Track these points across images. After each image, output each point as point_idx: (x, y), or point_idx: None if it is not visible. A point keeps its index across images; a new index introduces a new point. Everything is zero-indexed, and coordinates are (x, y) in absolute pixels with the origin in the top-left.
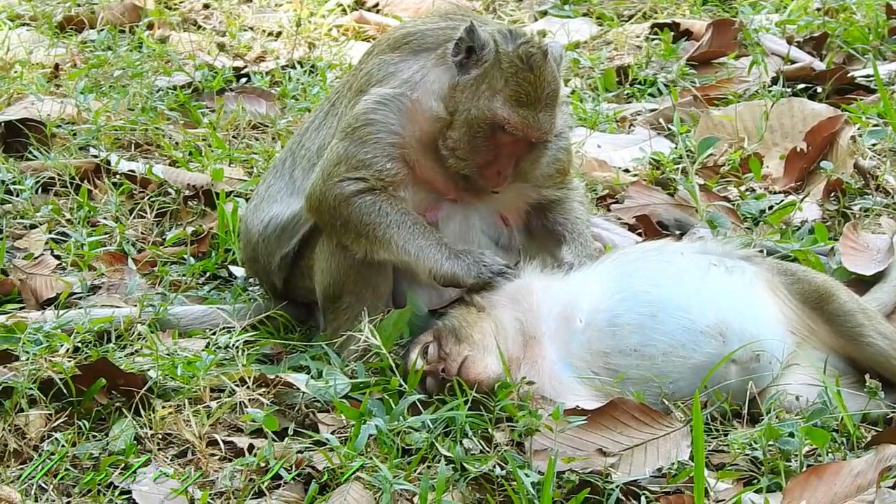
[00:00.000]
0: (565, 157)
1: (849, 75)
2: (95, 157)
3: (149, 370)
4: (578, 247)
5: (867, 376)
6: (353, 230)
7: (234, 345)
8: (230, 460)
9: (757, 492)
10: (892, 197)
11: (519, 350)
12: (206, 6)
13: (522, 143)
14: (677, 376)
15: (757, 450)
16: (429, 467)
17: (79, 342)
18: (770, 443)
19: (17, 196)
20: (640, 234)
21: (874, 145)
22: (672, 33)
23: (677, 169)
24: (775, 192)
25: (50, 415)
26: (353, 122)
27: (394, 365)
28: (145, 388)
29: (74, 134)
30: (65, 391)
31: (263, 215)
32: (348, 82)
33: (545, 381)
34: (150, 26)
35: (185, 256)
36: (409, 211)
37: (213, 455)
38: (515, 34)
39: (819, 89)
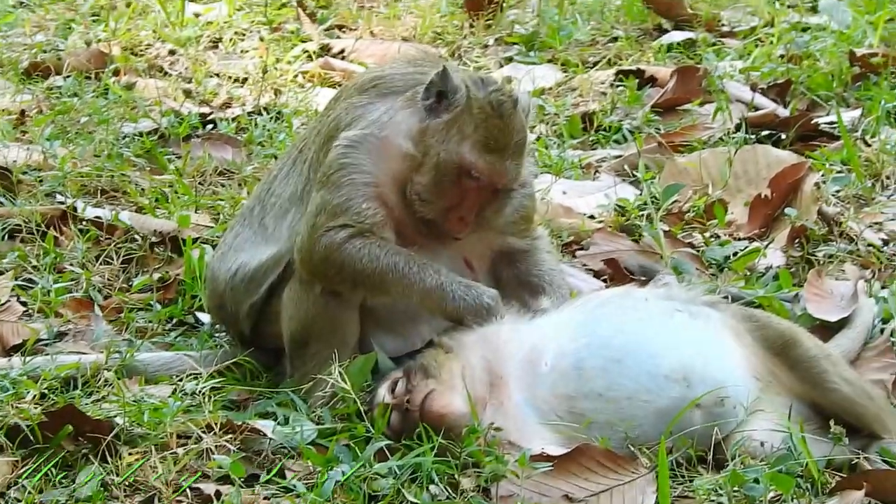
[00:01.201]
0: (530, 204)
1: (812, 122)
2: (62, 203)
3: (115, 417)
4: (559, 298)
5: (832, 422)
6: (348, 279)
7: (200, 391)
8: None
9: None
10: (856, 243)
11: (485, 391)
12: (172, 52)
13: (487, 189)
14: (642, 420)
15: (722, 496)
16: None
17: (45, 389)
18: (735, 489)
19: None
20: (605, 280)
21: (838, 192)
22: (637, 80)
23: (642, 215)
24: (740, 239)
25: (17, 461)
26: (327, 170)
27: (361, 410)
28: (112, 434)
29: (41, 180)
30: (31, 438)
31: (231, 264)
32: (316, 128)
33: (510, 423)
34: (116, 73)
35: (152, 303)
36: (399, 250)
37: (179, 502)
38: (487, 81)
39: (783, 136)
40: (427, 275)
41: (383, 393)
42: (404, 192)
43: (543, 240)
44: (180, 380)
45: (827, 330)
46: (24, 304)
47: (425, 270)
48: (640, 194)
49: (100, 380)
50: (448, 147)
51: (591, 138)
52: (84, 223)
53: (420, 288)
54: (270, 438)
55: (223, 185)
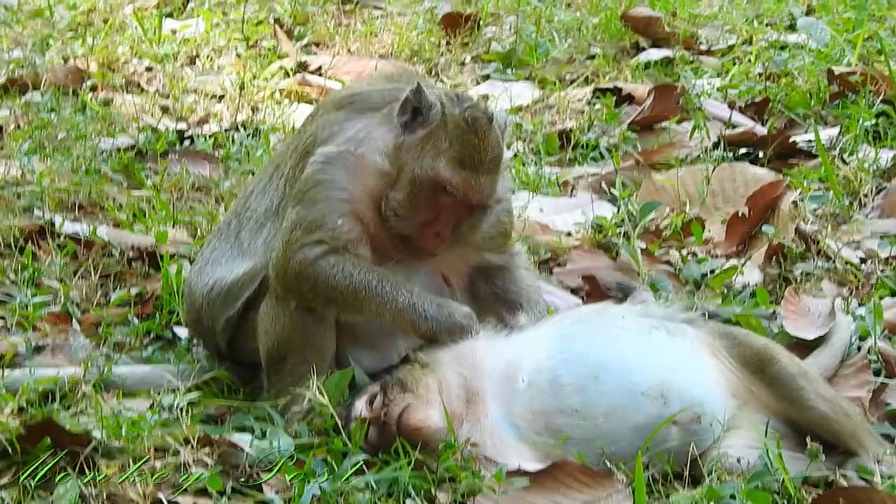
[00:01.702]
0: (507, 220)
1: (790, 140)
2: (39, 218)
3: (93, 430)
4: (537, 315)
5: (808, 439)
6: (322, 295)
7: (178, 405)
8: None
9: None
10: (834, 261)
11: (462, 407)
12: (149, 69)
13: (463, 205)
14: (619, 437)
15: None
16: None
17: (24, 402)
18: None
19: None
20: (582, 298)
21: (815, 210)
22: (614, 98)
23: (619, 233)
24: (717, 257)
25: None
26: (303, 185)
27: (339, 424)
28: (90, 447)
29: (19, 195)
30: (10, 451)
31: (208, 278)
32: (293, 144)
33: (487, 439)
34: (93, 88)
35: (130, 317)
36: (373, 268)
37: None
38: (462, 98)
39: (761, 154)
40: (400, 294)
41: (360, 407)
42: (380, 208)
43: (521, 256)
44: (158, 394)
45: (804, 348)
46: (2, 318)
47: (398, 289)
48: (618, 212)
49: (78, 393)
50: (423, 163)
51: (568, 156)
52: (62, 238)
53: (393, 307)
54: (248, 452)
55: (200, 201)
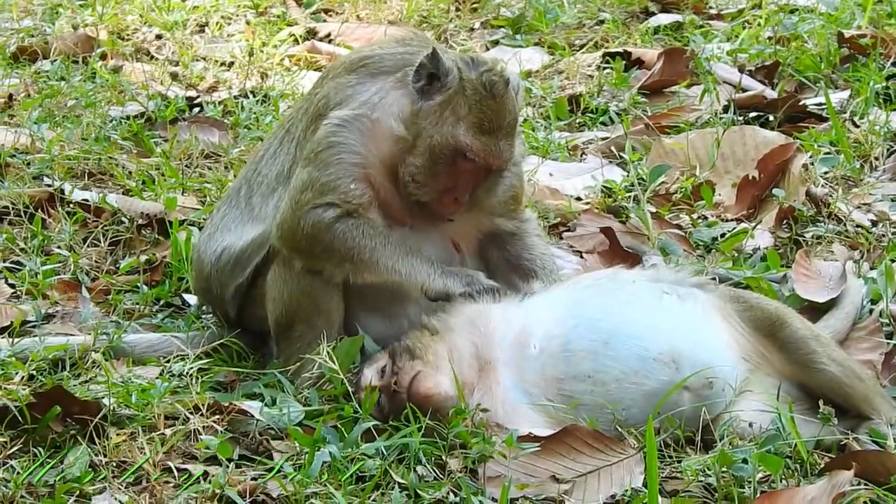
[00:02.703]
0: (518, 184)
1: (800, 103)
2: (49, 186)
3: (103, 398)
4: (551, 281)
5: (821, 403)
6: (336, 256)
7: (188, 372)
8: (184, 487)
9: None
10: (844, 224)
11: (473, 375)
12: (159, 37)
13: (481, 170)
14: (630, 403)
15: (710, 476)
16: (383, 494)
17: (33, 370)
18: (724, 469)
19: None
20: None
21: (826, 173)
22: (624, 62)
23: (629, 197)
24: (727, 220)
25: (5, 442)
26: (315, 146)
27: (349, 391)
28: (100, 415)
29: (28, 164)
30: (20, 419)
31: (216, 245)
32: (303, 107)
33: (499, 406)
34: (103, 57)
35: (139, 285)
36: (387, 231)
37: (167, 482)
38: (477, 61)
39: (771, 117)
40: (414, 255)
41: (370, 375)
42: (393, 173)
43: (532, 223)
44: (167, 361)
45: (815, 311)
46: (12, 286)
47: (414, 253)
48: (627, 176)
49: (87, 361)
50: (442, 129)
51: (577, 121)
52: (71, 206)
53: (407, 267)
54: (258, 419)
55: (210, 168)
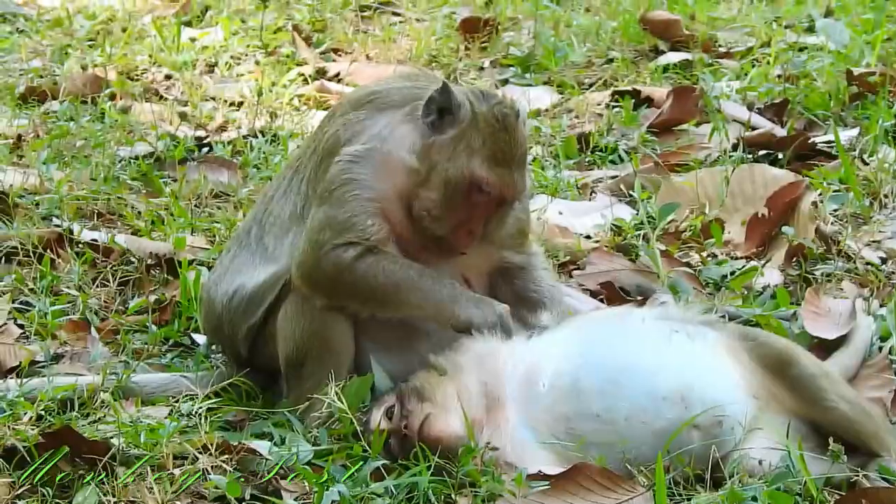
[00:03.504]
0: (525, 217)
1: (810, 141)
2: (58, 226)
3: (112, 438)
4: (558, 314)
5: (830, 440)
6: (360, 296)
7: (196, 412)
8: None
9: None
10: (854, 262)
11: (482, 413)
12: (168, 77)
13: (495, 202)
14: (640, 441)
15: None
16: None
17: (42, 410)
18: None
19: None
20: (601, 300)
21: (835, 211)
22: (633, 101)
23: (639, 235)
24: (737, 258)
25: (13, 483)
26: (329, 185)
27: (358, 430)
28: (108, 455)
29: (37, 204)
30: (28, 459)
31: (228, 286)
32: (311, 146)
33: (508, 444)
34: (112, 97)
35: (148, 324)
36: (410, 264)
37: None
38: (487, 95)
39: (780, 155)
40: (443, 285)
41: (378, 417)
42: (406, 207)
43: (539, 256)
44: (177, 401)
45: (825, 348)
46: (21, 326)
47: (441, 281)
48: (637, 214)
49: (96, 401)
50: (457, 163)
51: (587, 159)
52: (80, 246)
53: (435, 299)
54: (266, 459)
55: (219, 208)
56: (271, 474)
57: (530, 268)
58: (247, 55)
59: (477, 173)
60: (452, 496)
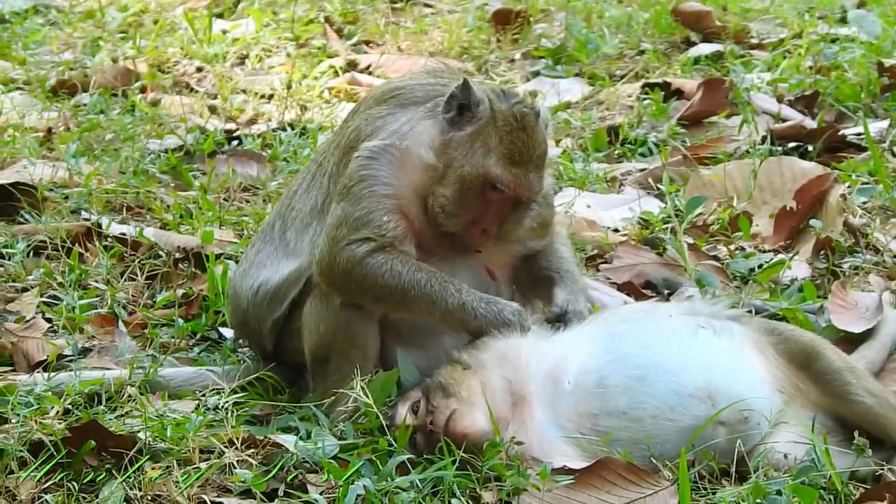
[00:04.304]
0: (548, 212)
1: (839, 133)
2: (87, 220)
3: (138, 432)
4: (569, 283)
5: (855, 434)
6: (369, 294)
7: (223, 406)
8: None
9: None
10: (882, 255)
11: (507, 410)
12: (199, 69)
13: (510, 201)
14: (665, 438)
15: None
16: None
17: (69, 404)
18: (758, 501)
19: (9, 259)
20: (628, 294)
21: (864, 203)
22: (663, 93)
23: (666, 228)
24: (765, 251)
25: (40, 477)
26: (347, 181)
27: (384, 424)
28: (135, 449)
29: (66, 197)
30: (55, 453)
31: (252, 281)
32: (335, 140)
33: (533, 440)
34: (142, 90)
35: (175, 318)
36: (421, 267)
37: None
38: (508, 94)
39: (810, 148)
40: (448, 292)
41: (404, 413)
42: (424, 203)
43: (560, 236)
44: (203, 395)
45: (851, 342)
46: (49, 320)
47: (447, 288)
48: (665, 207)
49: (123, 395)
50: (473, 160)
51: (616, 152)
52: (109, 240)
53: (442, 306)
54: (292, 453)
55: (247, 201)
56: (297, 469)
57: (548, 248)
58: (278, 47)
59: (492, 171)
60: (477, 490)
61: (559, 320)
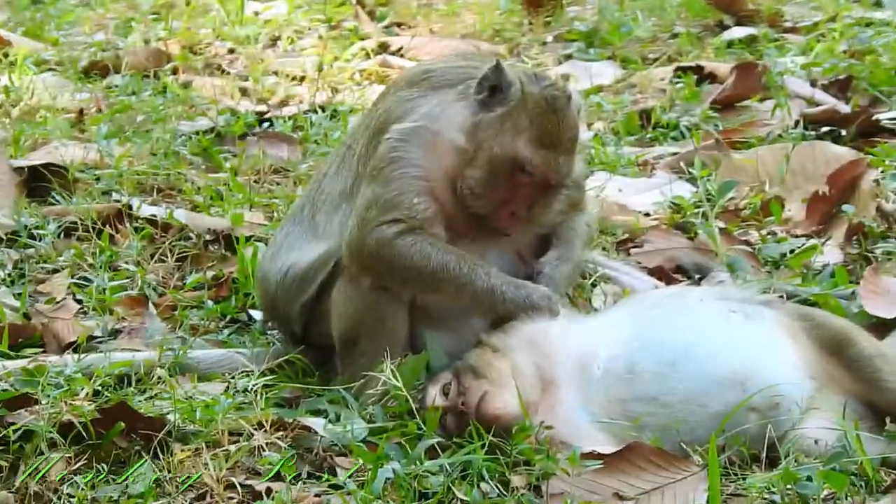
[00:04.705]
0: (578, 194)
1: (873, 118)
2: (117, 201)
3: (168, 414)
4: (562, 251)
5: (887, 420)
6: (397, 276)
7: (252, 388)
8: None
9: None
10: None
11: (536, 395)
12: (231, 51)
13: (539, 185)
14: (696, 424)
15: (775, 493)
16: None
17: (99, 386)
18: (788, 487)
19: (40, 241)
20: (659, 279)
21: None
22: (696, 76)
23: (698, 213)
24: (797, 236)
25: (70, 458)
26: (378, 163)
27: (413, 408)
28: (164, 431)
29: (97, 179)
30: (84, 434)
31: (281, 264)
32: (364, 122)
33: (562, 425)
34: (174, 71)
35: (205, 300)
36: (450, 249)
37: (230, 498)
38: (540, 77)
39: (843, 132)
40: (478, 276)
41: (434, 395)
42: (455, 186)
43: (583, 212)
44: (232, 377)
45: (883, 328)
46: (79, 301)
47: (476, 271)
48: (696, 191)
49: (153, 377)
50: (502, 141)
51: (648, 135)
52: (139, 221)
53: (471, 289)
54: (321, 436)
55: (278, 184)
56: (326, 452)
57: (567, 220)
58: (310, 29)
59: (521, 153)
60: (506, 474)
61: (529, 279)
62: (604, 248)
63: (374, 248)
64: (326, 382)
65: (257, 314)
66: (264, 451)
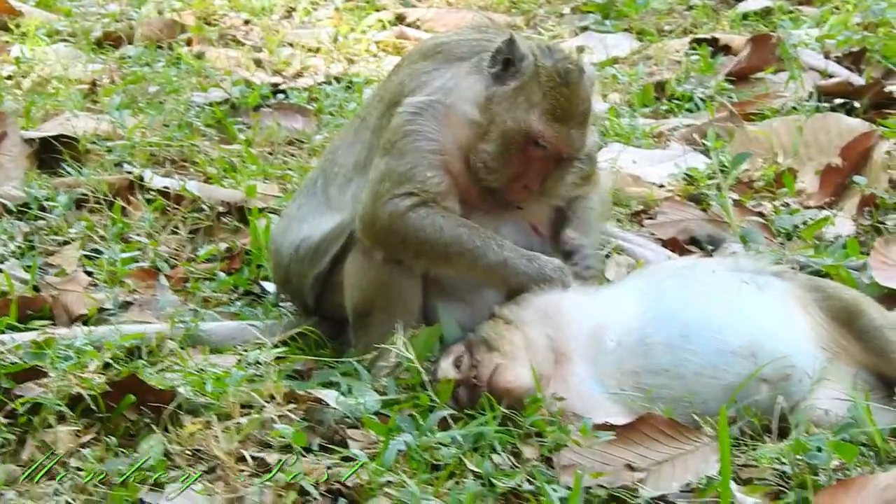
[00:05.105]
0: (590, 167)
1: (886, 90)
2: (129, 173)
3: (178, 386)
4: (581, 226)
5: None
6: (410, 249)
7: (264, 361)
8: (259, 476)
9: None
10: None
11: (549, 367)
12: (247, 22)
13: (552, 158)
14: (708, 396)
15: (785, 464)
16: (457, 483)
17: (109, 358)
18: (798, 457)
19: (51, 212)
20: (672, 250)
21: None
22: (711, 48)
23: (711, 184)
24: (809, 208)
25: (79, 431)
26: (391, 136)
27: (425, 380)
28: (174, 404)
29: (109, 150)
30: (94, 407)
31: (294, 236)
32: (378, 94)
33: (574, 397)
34: (188, 42)
35: (217, 273)
36: (463, 223)
37: (242, 471)
38: (554, 49)
39: (856, 104)
40: (490, 249)
41: (447, 367)
42: (468, 159)
43: (597, 186)
44: (244, 349)
45: (895, 299)
46: (90, 273)
47: (489, 244)
48: (710, 163)
49: (164, 350)
50: (515, 115)
51: (663, 107)
52: (151, 193)
53: (484, 262)
54: (333, 408)
55: (292, 155)
56: (338, 424)
57: (582, 196)
58: (326, 0)
59: (534, 127)
60: (518, 446)
61: (568, 257)
62: (618, 220)
63: (388, 221)
64: (339, 354)
65: (270, 286)
66: (275, 423)
